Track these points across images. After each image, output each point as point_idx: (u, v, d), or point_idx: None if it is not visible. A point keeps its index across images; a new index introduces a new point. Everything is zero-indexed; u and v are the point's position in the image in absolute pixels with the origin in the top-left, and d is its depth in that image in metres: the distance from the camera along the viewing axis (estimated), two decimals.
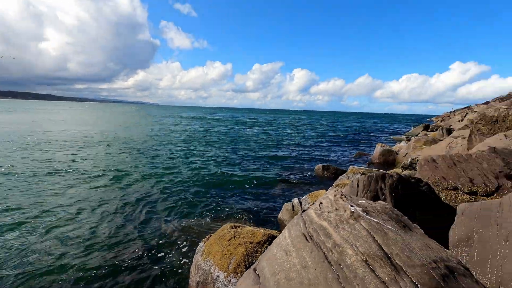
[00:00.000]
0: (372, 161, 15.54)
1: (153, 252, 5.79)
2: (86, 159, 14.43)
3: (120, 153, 16.53)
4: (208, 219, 7.45)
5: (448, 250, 3.25)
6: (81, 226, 6.79)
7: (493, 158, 5.00)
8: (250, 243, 4.08)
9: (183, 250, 5.87)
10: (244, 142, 24.34)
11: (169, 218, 7.47)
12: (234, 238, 4.28)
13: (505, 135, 6.26)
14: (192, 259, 4.76)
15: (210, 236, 4.77)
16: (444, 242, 3.38)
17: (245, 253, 3.91)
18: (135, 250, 5.83)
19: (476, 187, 4.90)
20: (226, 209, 8.18)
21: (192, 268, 4.41)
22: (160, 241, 6.21)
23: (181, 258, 5.56)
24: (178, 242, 6.18)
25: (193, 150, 18.85)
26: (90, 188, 9.66)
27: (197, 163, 14.62)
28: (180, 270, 5.19)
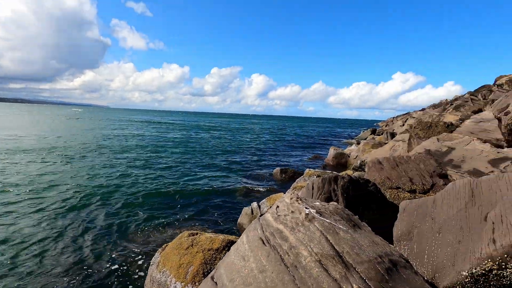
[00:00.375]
0: (327, 164, 16.40)
1: (103, 267, 5.35)
2: (14, 170, 12.79)
3: (56, 162, 14.53)
4: (164, 229, 7.13)
5: (392, 245, 3.55)
6: (11, 243, 6.00)
7: (428, 159, 5.61)
8: (209, 250, 4.00)
9: (138, 262, 5.53)
10: (202, 147, 23.70)
11: (120, 230, 6.98)
12: (192, 246, 4.16)
13: (437, 139, 7.09)
14: (148, 271, 4.50)
15: (167, 245, 4.58)
16: (390, 238, 3.69)
17: (203, 261, 3.82)
18: (82, 266, 5.32)
19: (415, 186, 5.44)
20: (183, 217, 7.92)
21: (147, 281, 4.18)
22: (112, 255, 5.76)
23: (136, 271, 5.23)
24: (132, 255, 5.80)
25: (144, 157, 17.54)
26: (20, 201, 8.59)
27: (150, 170, 13.81)
28: (131, 287, 4.86)
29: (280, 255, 1.79)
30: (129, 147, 21.70)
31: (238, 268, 1.94)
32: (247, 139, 33.21)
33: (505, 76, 16.83)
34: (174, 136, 33.18)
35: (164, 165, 15.15)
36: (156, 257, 4.43)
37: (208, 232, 5.69)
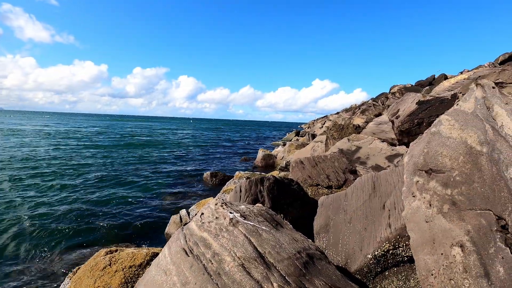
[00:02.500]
0: (256, 165, 16.94)
1: None
2: None
3: None
4: (76, 249, 6.23)
5: (312, 238, 3.86)
6: None
7: (341, 157, 6.33)
8: (130, 267, 3.65)
9: None
10: (125, 156, 21.22)
11: (17, 255, 5.80)
12: (109, 265, 3.73)
13: (348, 139, 8.06)
14: None
15: (79, 268, 4.00)
16: (312, 232, 4.01)
17: (123, 280, 3.46)
18: None
19: (331, 182, 6.06)
20: (101, 233, 7.07)
21: None
22: None
23: None
24: (34, 285, 4.87)
25: (52, 168, 14.85)
26: None
27: (57, 181, 11.85)
28: None
29: (204, 264, 1.74)
30: (33, 157, 18.08)
31: (159, 284, 1.81)
32: (175, 144, 31.77)
33: (397, 85, 20.29)
34: (89, 143, 29.12)
35: (77, 175, 13.27)
36: (66, 284, 3.84)
37: (132, 247, 5.21)
